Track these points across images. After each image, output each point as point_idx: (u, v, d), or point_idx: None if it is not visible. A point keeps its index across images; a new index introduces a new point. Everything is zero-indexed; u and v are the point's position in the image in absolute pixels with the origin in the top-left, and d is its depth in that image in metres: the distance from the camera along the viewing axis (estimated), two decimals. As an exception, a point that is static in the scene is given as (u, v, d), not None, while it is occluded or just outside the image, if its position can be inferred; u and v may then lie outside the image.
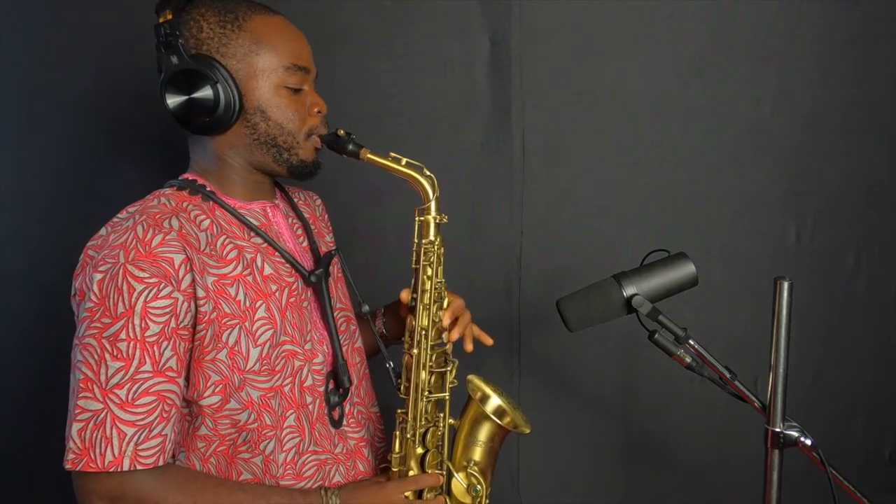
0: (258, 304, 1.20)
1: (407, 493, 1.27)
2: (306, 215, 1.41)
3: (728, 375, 1.24)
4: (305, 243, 1.36)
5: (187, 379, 1.16)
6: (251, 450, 1.21)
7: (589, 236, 1.97)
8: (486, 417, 1.35)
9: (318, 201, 1.52)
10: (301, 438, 1.24)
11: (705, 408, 1.95)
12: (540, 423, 2.03)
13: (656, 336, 1.25)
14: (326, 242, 1.45)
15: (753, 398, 1.24)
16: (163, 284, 1.10)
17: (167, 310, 1.11)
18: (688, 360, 1.25)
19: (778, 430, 1.19)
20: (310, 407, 1.26)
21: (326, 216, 1.52)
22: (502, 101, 1.94)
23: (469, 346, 1.38)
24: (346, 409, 1.32)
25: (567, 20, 1.91)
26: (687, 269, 1.28)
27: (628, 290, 1.26)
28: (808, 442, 1.19)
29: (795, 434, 1.19)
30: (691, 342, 1.24)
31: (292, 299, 1.25)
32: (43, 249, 1.87)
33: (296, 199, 1.42)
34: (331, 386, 1.29)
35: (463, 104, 1.94)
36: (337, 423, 1.29)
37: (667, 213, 1.95)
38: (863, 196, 1.94)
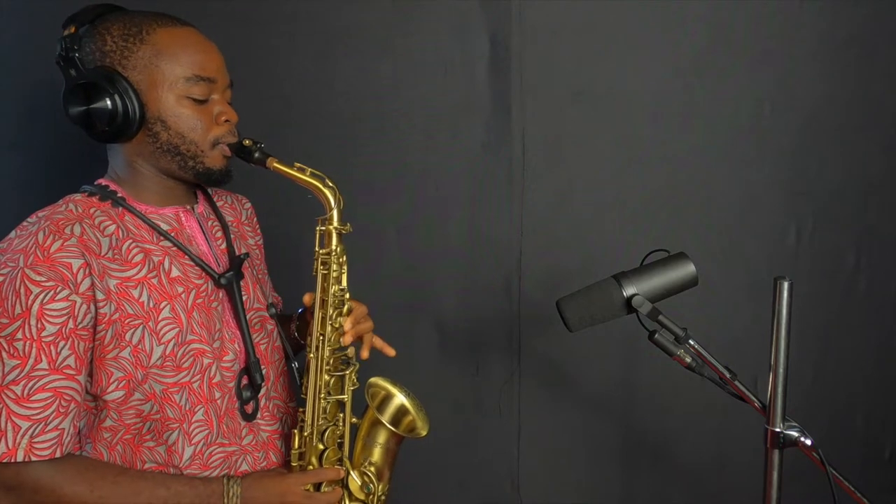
0: (162, 304, 1.25)
1: (307, 486, 1.32)
2: (230, 219, 1.45)
3: (728, 375, 1.24)
4: (224, 245, 1.40)
5: (91, 375, 1.21)
6: (155, 438, 1.26)
7: (589, 236, 1.97)
8: (381, 422, 1.40)
9: (248, 205, 1.55)
10: (209, 431, 1.29)
11: (705, 408, 1.95)
12: (540, 423, 2.05)
13: (656, 336, 1.25)
14: (249, 245, 1.48)
15: (753, 398, 1.24)
16: (59, 288, 1.16)
17: (64, 311, 1.16)
18: (688, 360, 1.25)
19: (778, 430, 1.19)
20: (219, 402, 1.30)
21: (255, 220, 1.55)
22: (502, 101, 1.94)
23: (364, 354, 1.41)
24: (262, 403, 1.37)
25: (567, 20, 1.91)
26: (687, 269, 1.28)
27: (628, 290, 1.26)
28: (808, 442, 1.18)
29: (795, 434, 1.19)
30: (691, 342, 1.24)
31: (199, 300, 1.30)
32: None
33: (221, 203, 1.46)
34: (244, 382, 1.34)
35: (463, 104, 1.94)
36: (250, 417, 1.34)
37: (667, 213, 1.95)
38: (863, 196, 1.94)
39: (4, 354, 1.15)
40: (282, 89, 1.93)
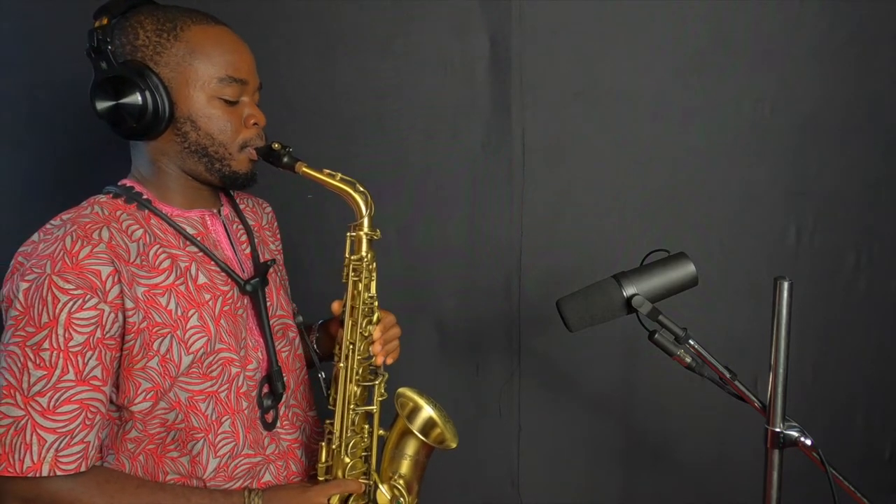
0: (190, 312, 1.21)
1: (333, 501, 1.29)
2: (251, 223, 1.42)
3: (728, 375, 1.24)
4: (248, 250, 1.36)
5: (116, 386, 1.18)
6: (179, 448, 1.23)
7: (589, 236, 1.97)
8: (411, 432, 1.37)
9: (268, 209, 1.52)
10: (235, 443, 1.26)
11: (705, 408, 1.95)
12: (540, 423, 2.05)
13: (656, 336, 1.25)
14: (271, 251, 1.45)
15: (753, 398, 1.24)
16: (88, 296, 1.12)
17: (92, 321, 1.12)
18: (688, 360, 1.25)
19: (778, 430, 1.19)
20: (245, 412, 1.27)
21: (275, 224, 1.52)
22: (502, 101, 1.94)
23: (389, 360, 1.38)
24: (281, 412, 1.33)
25: (567, 20, 1.91)
26: (687, 269, 1.28)
27: (628, 290, 1.26)
28: (808, 442, 1.18)
29: (795, 434, 1.19)
30: (691, 342, 1.24)
31: (226, 307, 1.26)
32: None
33: (243, 206, 1.43)
34: (265, 390, 1.31)
35: (463, 104, 1.94)
36: (270, 426, 1.31)
37: (667, 213, 1.95)
38: (863, 196, 1.94)
39: (31, 364, 1.11)
40: (282, 89, 1.92)
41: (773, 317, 1.18)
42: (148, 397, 1.18)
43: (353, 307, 1.32)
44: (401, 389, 1.41)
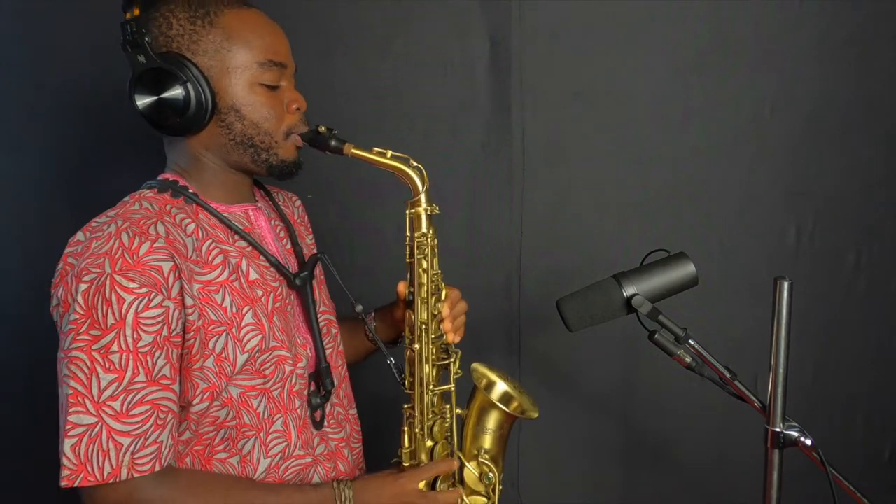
0: (245, 309, 1.18)
1: (421, 484, 1.26)
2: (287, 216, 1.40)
3: (728, 375, 1.24)
4: (289, 245, 1.34)
5: (180, 384, 1.15)
6: (228, 449, 1.19)
7: (589, 236, 1.97)
8: (493, 405, 1.35)
9: (298, 202, 1.48)
10: (287, 443, 1.23)
11: (705, 408, 1.95)
12: (540, 423, 2.04)
13: (656, 336, 1.25)
14: (307, 245, 1.42)
15: (753, 398, 1.24)
16: (153, 294, 1.08)
17: (159, 319, 1.09)
18: (688, 360, 1.25)
19: (778, 430, 1.19)
20: (298, 411, 1.25)
21: (307, 217, 1.49)
22: (502, 101, 1.94)
23: (457, 338, 1.36)
24: (327, 411, 1.31)
25: (567, 20, 1.91)
26: (687, 269, 1.28)
27: (628, 290, 1.26)
28: (808, 442, 1.18)
29: (795, 434, 1.19)
30: (691, 342, 1.24)
31: (277, 304, 1.24)
32: (42, 249, 1.87)
33: (277, 200, 1.40)
34: (312, 388, 1.28)
35: (463, 104, 1.94)
36: (319, 425, 1.29)
37: (667, 213, 1.95)
38: (863, 196, 1.94)
39: (99, 368, 1.07)
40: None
41: (773, 317, 1.18)
42: (204, 398, 1.15)
43: (421, 285, 1.29)
44: (475, 364, 1.39)
